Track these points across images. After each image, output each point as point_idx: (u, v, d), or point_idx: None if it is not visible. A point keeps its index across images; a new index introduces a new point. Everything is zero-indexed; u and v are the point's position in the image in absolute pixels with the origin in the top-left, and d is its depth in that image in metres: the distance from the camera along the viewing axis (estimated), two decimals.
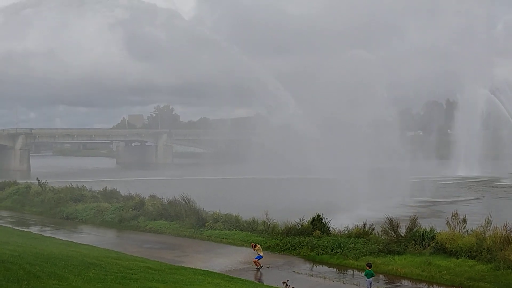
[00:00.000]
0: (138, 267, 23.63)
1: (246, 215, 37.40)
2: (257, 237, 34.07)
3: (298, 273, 26.41)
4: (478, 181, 79.21)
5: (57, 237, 37.38)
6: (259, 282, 25.10)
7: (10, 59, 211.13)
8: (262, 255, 28.50)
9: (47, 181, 56.97)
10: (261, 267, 28.01)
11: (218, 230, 36.62)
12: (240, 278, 24.32)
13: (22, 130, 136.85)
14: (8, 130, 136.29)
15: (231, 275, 24.98)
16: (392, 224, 30.33)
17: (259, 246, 29.17)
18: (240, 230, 36.06)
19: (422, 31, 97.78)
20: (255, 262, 28.21)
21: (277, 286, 22.54)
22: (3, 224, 44.43)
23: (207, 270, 25.47)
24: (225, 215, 37.99)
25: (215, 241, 35.18)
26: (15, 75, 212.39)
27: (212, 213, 38.80)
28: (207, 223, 37.64)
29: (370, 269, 23.10)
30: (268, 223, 35.31)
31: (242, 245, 33.50)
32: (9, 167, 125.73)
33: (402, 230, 30.15)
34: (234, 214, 37.77)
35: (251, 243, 30.66)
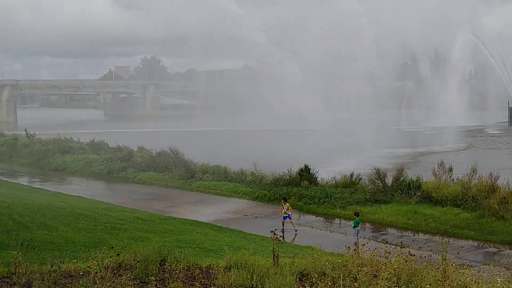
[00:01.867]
0: (127, 218, 23.83)
1: (234, 167, 37.58)
2: (245, 187, 34.36)
3: (286, 222, 26.71)
4: (464, 130, 79.77)
5: (46, 189, 37.45)
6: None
7: None
8: (289, 213, 25.53)
9: (35, 133, 56.65)
10: (295, 231, 25.09)
11: (207, 181, 36.82)
12: (228, 228, 24.62)
13: (7, 82, 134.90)
14: None
15: (219, 225, 25.27)
16: (379, 174, 30.64)
17: (288, 204, 26.07)
18: (229, 181, 36.29)
19: None
20: (290, 222, 25.48)
21: (264, 235, 22.84)
22: None
23: (196, 220, 25.73)
24: (214, 166, 38.13)
25: (204, 192, 35.42)
26: None
27: (200, 164, 38.93)
28: (196, 175, 37.79)
29: (357, 218, 23.40)
30: (257, 174, 35.52)
31: (230, 196, 33.81)
32: None
33: (389, 180, 30.49)
34: (222, 166, 37.92)
35: (282, 199, 26.90)
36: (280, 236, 23.75)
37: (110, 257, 11.22)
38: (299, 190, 31.57)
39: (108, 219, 22.60)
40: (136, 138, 60.90)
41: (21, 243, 13.28)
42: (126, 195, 35.49)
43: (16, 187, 37.40)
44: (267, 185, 33.82)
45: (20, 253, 11.13)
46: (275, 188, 32.79)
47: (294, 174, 33.76)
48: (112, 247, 12.66)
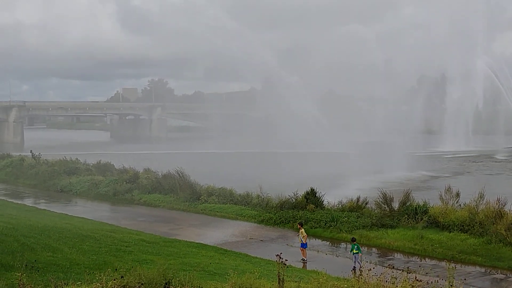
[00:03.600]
0: (132, 240, 23.75)
1: (240, 189, 37.51)
2: (251, 210, 34.23)
3: (291, 246, 26.56)
4: (472, 155, 79.51)
5: (52, 210, 37.43)
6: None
7: (1, 31, 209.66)
8: (305, 241, 24.77)
9: (41, 154, 56.85)
10: (305, 260, 24.17)
11: (212, 203, 36.72)
12: (233, 251, 24.49)
13: (15, 103, 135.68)
14: (1, 102, 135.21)
15: (225, 248, 25.14)
16: (386, 198, 30.51)
17: (302, 229, 25.15)
18: (234, 203, 36.15)
19: (416, 4, 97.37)
20: (301, 250, 24.75)
21: (270, 259, 22.68)
22: None
23: (201, 243, 25.62)
24: (219, 188, 38.05)
25: (209, 215, 35.30)
26: (7, 47, 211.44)
27: (206, 186, 38.86)
28: (201, 197, 37.71)
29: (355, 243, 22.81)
30: (262, 197, 35.42)
31: (236, 219, 33.66)
32: (2, 140, 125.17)
33: (396, 205, 30.34)
34: (228, 188, 37.84)
35: (298, 223, 26.71)
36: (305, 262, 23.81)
37: (115, 280, 11.16)
38: (305, 214, 31.40)
39: (113, 241, 22.54)
40: (142, 160, 61.00)
41: (26, 265, 13.26)
42: (131, 217, 35.42)
43: (22, 208, 37.42)
44: (273, 208, 33.67)
45: (24, 274, 11.10)
46: (281, 212, 32.65)
47: (300, 197, 33.64)
48: (116, 270, 12.60)
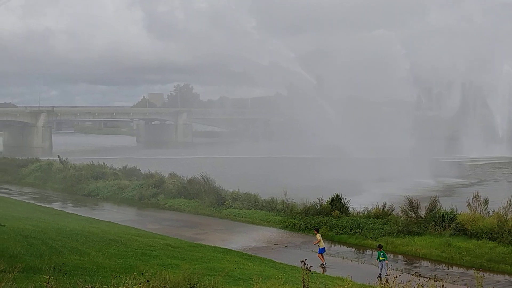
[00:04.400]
0: (158, 244, 23.90)
1: (265, 194, 37.48)
2: (275, 216, 34.16)
3: (316, 252, 26.42)
4: (498, 162, 78.28)
5: (79, 214, 37.87)
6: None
7: (30, 37, 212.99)
8: (323, 246, 25.18)
9: (68, 158, 57.56)
10: (324, 264, 24.54)
11: (237, 209, 36.77)
12: (258, 257, 24.46)
13: (44, 108, 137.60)
14: (30, 107, 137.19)
15: (249, 253, 25.12)
16: (412, 205, 30.21)
17: (318, 234, 25.50)
18: (259, 209, 36.12)
19: (441, 9, 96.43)
20: (319, 256, 24.91)
21: (295, 265, 22.59)
22: (26, 200, 45.15)
23: (226, 248, 25.66)
24: (244, 194, 38.07)
25: (234, 220, 35.35)
26: (36, 53, 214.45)
27: (231, 192, 38.92)
28: (226, 202, 37.79)
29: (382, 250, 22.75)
30: (287, 202, 35.33)
31: (260, 224, 33.64)
32: (31, 144, 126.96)
33: (422, 211, 30.01)
34: (253, 194, 37.83)
35: (314, 228, 27.11)
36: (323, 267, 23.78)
37: (140, 284, 11.24)
38: (330, 220, 31.26)
39: (139, 245, 22.71)
40: (168, 164, 61.31)
41: (54, 268, 13.45)
42: (157, 222, 35.63)
43: (50, 211, 37.93)
44: (297, 214, 33.57)
45: (52, 277, 11.24)
46: (306, 217, 32.54)
47: (325, 203, 33.48)
48: (142, 273, 12.68)
